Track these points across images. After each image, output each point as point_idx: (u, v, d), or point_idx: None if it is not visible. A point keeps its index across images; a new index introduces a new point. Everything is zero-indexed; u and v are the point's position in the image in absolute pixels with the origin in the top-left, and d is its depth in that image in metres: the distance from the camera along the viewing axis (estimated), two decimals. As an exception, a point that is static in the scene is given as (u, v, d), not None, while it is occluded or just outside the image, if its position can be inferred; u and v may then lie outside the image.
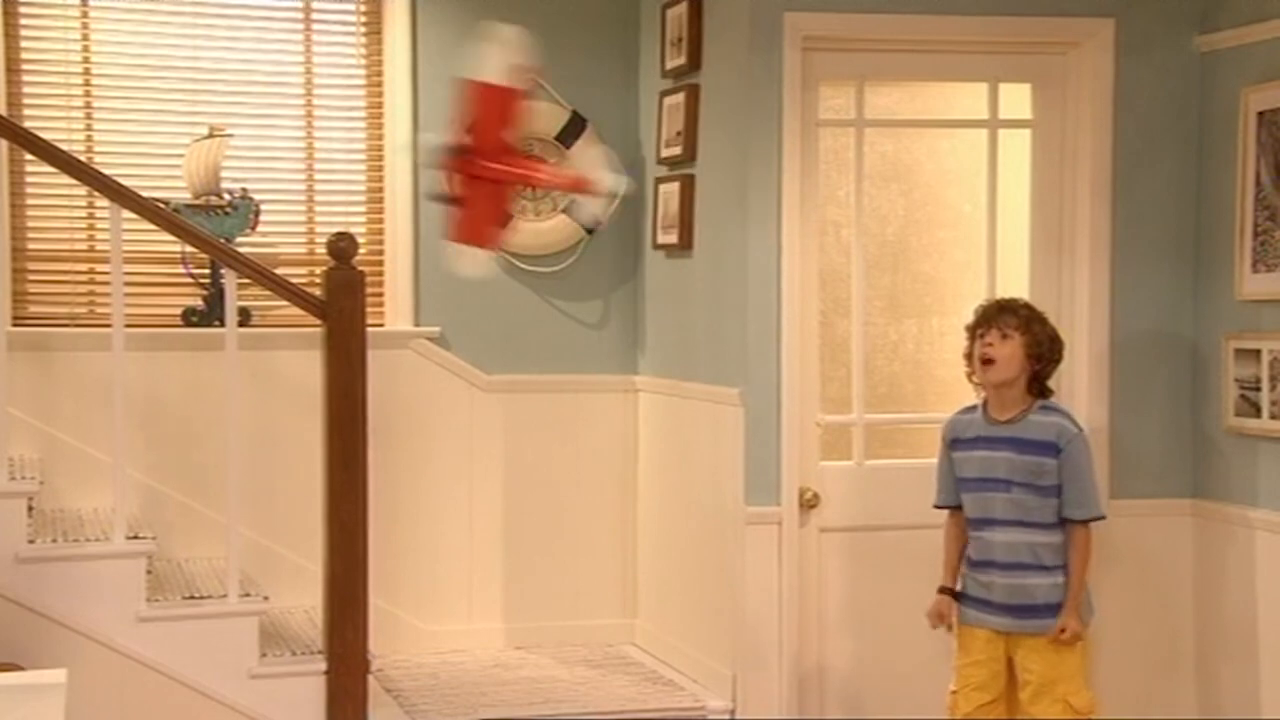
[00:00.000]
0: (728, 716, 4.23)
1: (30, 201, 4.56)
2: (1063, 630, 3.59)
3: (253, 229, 4.63)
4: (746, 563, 4.15)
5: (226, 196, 4.59)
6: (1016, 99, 4.33)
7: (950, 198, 4.71)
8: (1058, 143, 4.28)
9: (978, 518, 3.71)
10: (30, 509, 3.92)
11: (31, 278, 4.56)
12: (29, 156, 4.27)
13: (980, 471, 3.70)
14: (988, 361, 3.65)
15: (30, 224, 4.55)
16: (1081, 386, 4.24)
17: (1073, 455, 3.62)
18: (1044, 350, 3.66)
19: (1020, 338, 3.64)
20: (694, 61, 4.46)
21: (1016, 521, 3.64)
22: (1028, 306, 3.74)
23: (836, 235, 4.49)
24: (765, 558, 4.14)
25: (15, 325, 4.39)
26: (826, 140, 4.32)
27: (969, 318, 3.78)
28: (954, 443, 3.76)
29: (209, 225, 4.46)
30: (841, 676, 4.27)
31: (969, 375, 3.76)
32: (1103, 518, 3.69)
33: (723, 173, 4.30)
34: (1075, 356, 4.22)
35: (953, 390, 4.28)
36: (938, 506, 3.82)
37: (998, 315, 3.68)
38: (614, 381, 4.97)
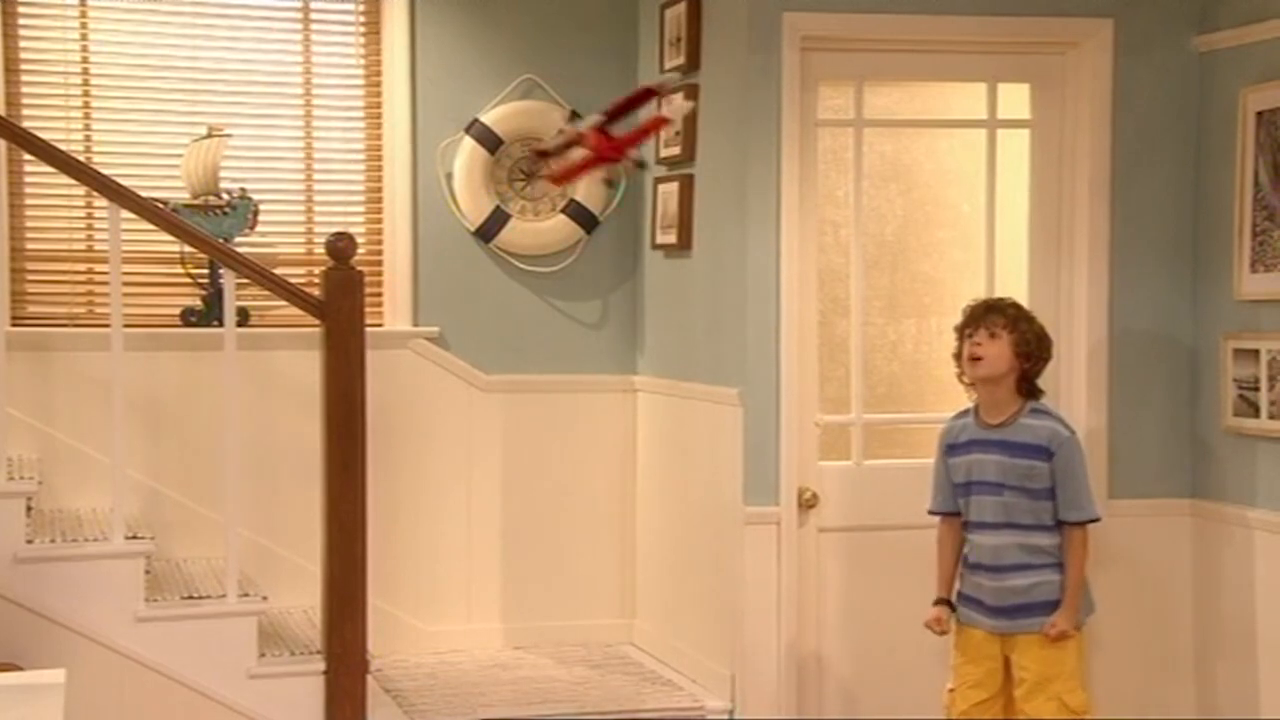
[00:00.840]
0: (726, 716, 4.23)
1: (29, 201, 4.55)
2: (1053, 627, 3.60)
3: (251, 229, 4.62)
4: (745, 563, 4.15)
5: (225, 196, 4.59)
6: (1015, 99, 4.34)
7: (949, 198, 4.70)
8: (1056, 143, 4.29)
9: (970, 520, 3.73)
10: (29, 509, 3.92)
11: (30, 278, 4.56)
12: (28, 156, 4.27)
13: (972, 475, 3.71)
14: (975, 360, 3.68)
15: (29, 224, 4.55)
16: (1080, 386, 4.24)
17: (1066, 458, 3.62)
18: (1031, 349, 3.67)
19: (1008, 336, 3.65)
20: (693, 61, 4.46)
21: (1006, 524, 3.65)
22: (1015, 305, 3.74)
23: (835, 235, 4.49)
24: (764, 558, 4.14)
25: (14, 325, 4.38)
26: (825, 140, 4.32)
27: (960, 318, 3.79)
28: (949, 448, 3.77)
29: (207, 225, 4.46)
30: (840, 676, 4.27)
31: (959, 376, 3.77)
32: (1098, 520, 3.68)
33: (721, 173, 4.30)
34: (1073, 356, 4.23)
35: (951, 390, 4.27)
36: (931, 512, 3.83)
37: (985, 315, 3.69)
38: (613, 382, 4.97)
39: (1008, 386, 3.68)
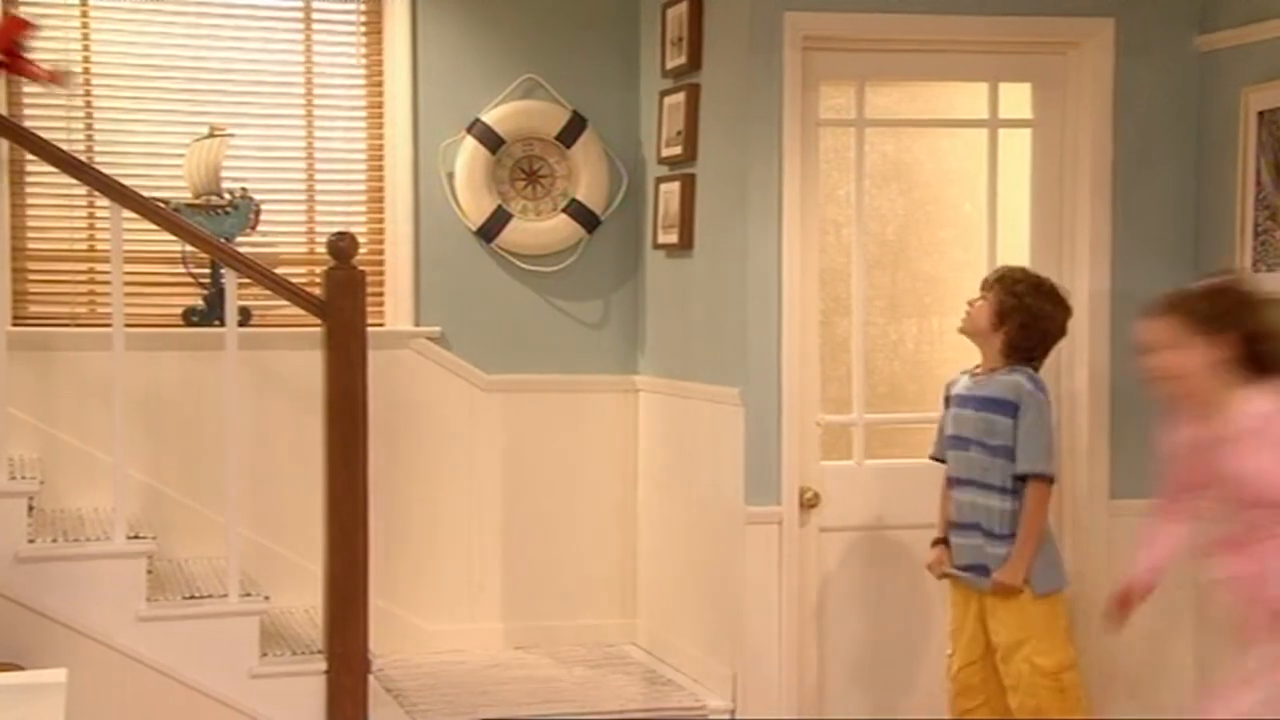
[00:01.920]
0: (728, 716, 4.22)
1: (31, 201, 4.55)
2: (995, 581, 3.62)
3: (253, 229, 4.62)
4: (747, 562, 4.15)
5: (227, 196, 4.59)
6: (1017, 99, 4.34)
7: (950, 197, 4.71)
8: (1058, 142, 4.29)
9: (948, 476, 3.80)
10: (30, 508, 3.92)
11: (32, 277, 4.56)
12: (30, 156, 4.27)
13: (949, 429, 3.80)
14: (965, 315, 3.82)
15: (31, 224, 4.55)
16: (1082, 386, 4.24)
17: (1027, 412, 3.63)
18: (1007, 312, 3.68)
19: (991, 298, 3.71)
20: (694, 61, 4.46)
21: (972, 481, 3.71)
22: (1011, 272, 3.77)
23: (837, 235, 4.49)
24: (765, 557, 4.14)
25: (15, 325, 4.38)
26: (827, 140, 4.33)
27: None
28: (945, 400, 3.87)
29: (209, 225, 4.46)
30: (841, 675, 4.27)
31: None
32: (1047, 477, 3.66)
33: (723, 172, 4.30)
34: (1075, 356, 4.23)
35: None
36: (931, 457, 3.89)
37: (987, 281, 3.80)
38: (614, 381, 4.97)
39: (993, 347, 3.74)
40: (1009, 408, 3.64)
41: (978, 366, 3.81)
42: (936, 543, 3.85)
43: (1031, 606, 3.64)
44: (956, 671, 3.79)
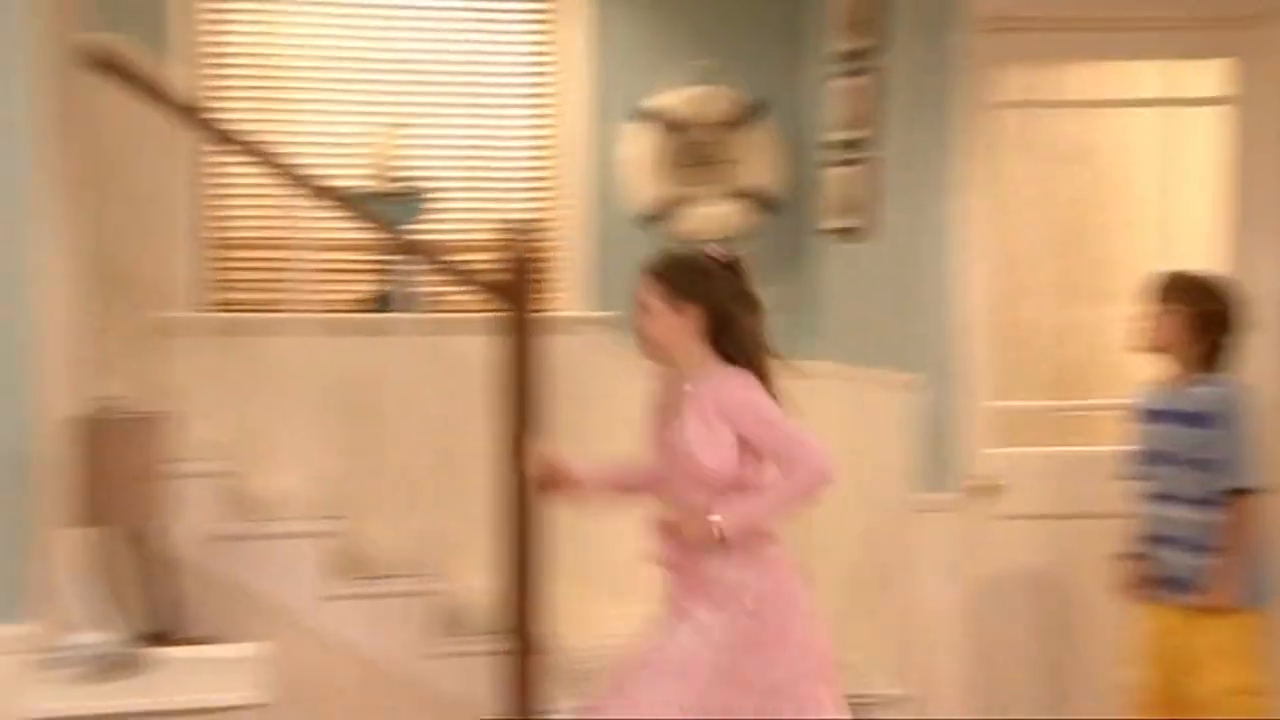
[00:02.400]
0: (897, 702, 4.18)
1: (234, 192, 4.69)
2: (1202, 599, 3.52)
3: (429, 216, 4.70)
4: (920, 550, 4.09)
5: (405, 184, 4.67)
6: (1208, 76, 4.19)
7: (1132, 179, 4.57)
8: (1252, 121, 4.13)
9: (1147, 492, 3.69)
10: (225, 490, 4.05)
11: (233, 265, 4.70)
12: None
13: (1146, 445, 3.68)
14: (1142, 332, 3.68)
15: (233, 214, 4.68)
16: (1267, 373, 4.08)
17: (1231, 424, 3.54)
18: (1203, 322, 3.59)
19: (1183, 310, 3.60)
20: (872, 44, 4.40)
21: (1174, 496, 3.61)
22: (1188, 281, 3.65)
23: (1017, 218, 4.39)
24: (938, 545, 4.08)
25: (216, 310, 4.53)
26: (1007, 121, 4.23)
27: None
28: (1137, 414, 3.74)
29: (388, 212, 4.54)
30: (1014, 666, 4.19)
31: None
32: (1253, 490, 3.53)
33: (901, 156, 4.24)
34: (1265, 340, 4.07)
35: (1133, 376, 4.15)
36: (1124, 477, 3.78)
37: (1158, 291, 3.66)
38: (781, 367, 4.93)
39: (1186, 359, 3.63)
40: (1209, 420, 3.54)
41: (1172, 377, 3.68)
42: (1129, 557, 3.73)
43: (1228, 622, 3.53)
44: (1142, 683, 3.69)
